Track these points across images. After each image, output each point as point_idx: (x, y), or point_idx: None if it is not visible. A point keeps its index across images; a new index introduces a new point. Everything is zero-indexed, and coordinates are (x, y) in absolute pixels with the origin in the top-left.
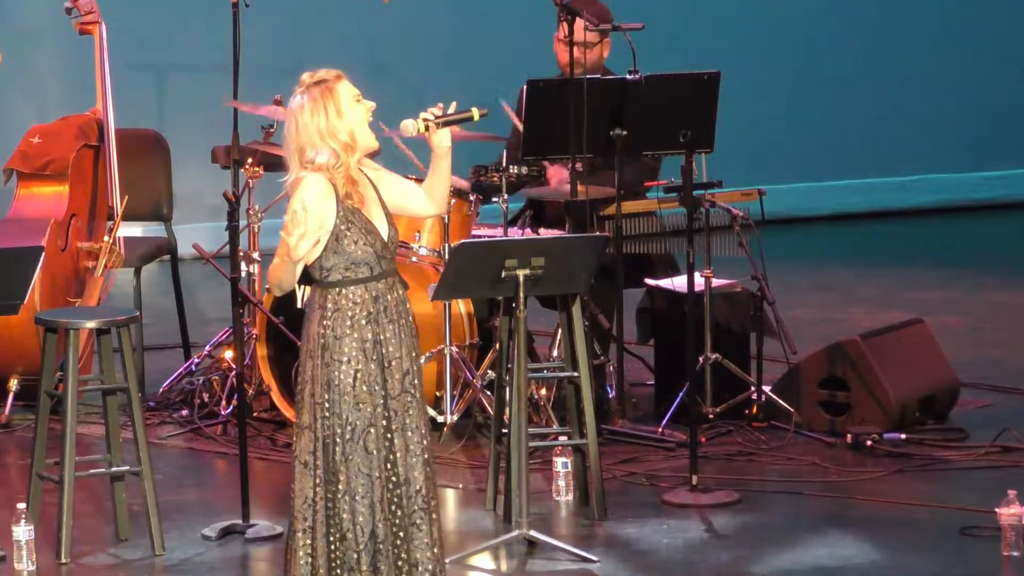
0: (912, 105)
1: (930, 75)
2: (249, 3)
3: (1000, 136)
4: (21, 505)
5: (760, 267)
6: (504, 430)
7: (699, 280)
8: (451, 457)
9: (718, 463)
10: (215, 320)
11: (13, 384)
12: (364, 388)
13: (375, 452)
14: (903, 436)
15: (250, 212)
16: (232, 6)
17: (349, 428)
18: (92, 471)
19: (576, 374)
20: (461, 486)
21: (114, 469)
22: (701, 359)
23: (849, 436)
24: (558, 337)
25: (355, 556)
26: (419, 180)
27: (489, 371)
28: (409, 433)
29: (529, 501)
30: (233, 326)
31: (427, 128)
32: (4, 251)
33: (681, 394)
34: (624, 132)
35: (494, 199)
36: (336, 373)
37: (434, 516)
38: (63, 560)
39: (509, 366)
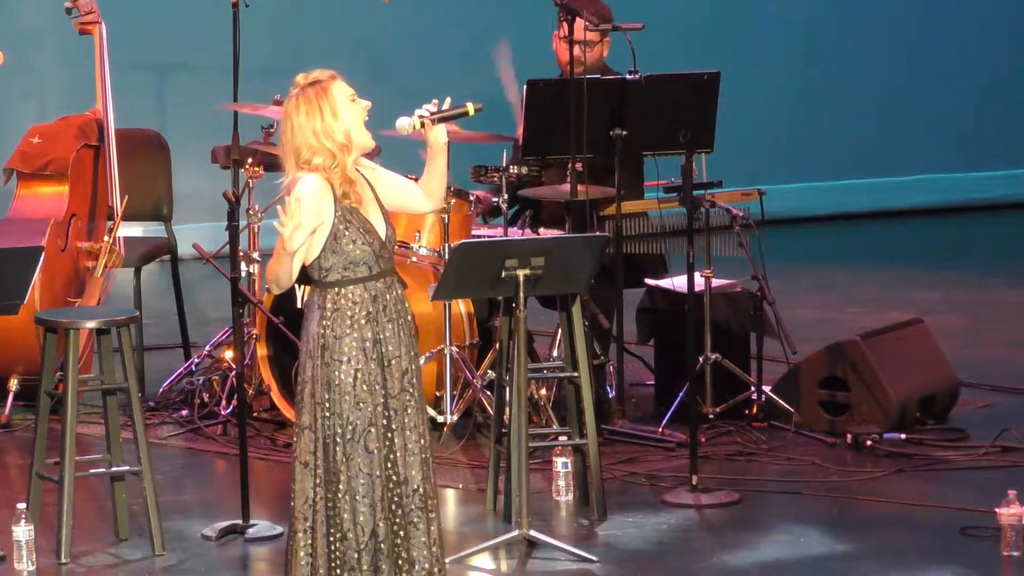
0: (912, 105)
1: (930, 75)
2: (249, 3)
3: (1000, 136)
4: (21, 505)
5: (760, 267)
6: (504, 430)
7: (699, 280)
8: (451, 457)
9: (718, 463)
10: (215, 320)
11: (13, 384)
12: (364, 388)
13: (375, 451)
14: (903, 436)
15: (250, 212)
16: (232, 6)
17: (350, 428)
18: (92, 471)
19: (576, 374)
20: (461, 486)
21: (114, 469)
22: (701, 359)
23: (849, 436)
24: (558, 337)
25: (356, 556)
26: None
27: (489, 371)
28: (408, 432)
29: (529, 501)
30: (233, 326)
31: (423, 125)
32: (4, 251)
33: (681, 394)
34: (624, 132)
35: (494, 199)
36: (336, 373)
37: (432, 515)
38: (63, 560)
39: (509, 366)
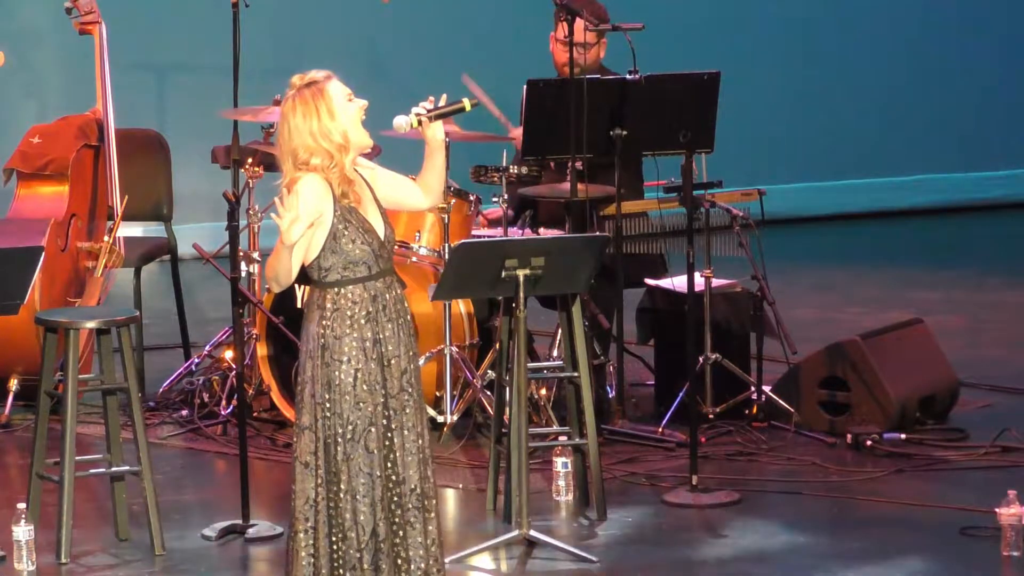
0: (912, 105)
1: (930, 75)
2: (249, 3)
3: (1000, 136)
4: (21, 505)
5: (760, 267)
6: (504, 430)
7: (699, 280)
8: (451, 457)
9: (718, 463)
10: (215, 320)
11: (13, 384)
12: (364, 387)
13: (376, 451)
14: (903, 436)
15: (250, 212)
16: (232, 6)
17: (350, 428)
18: (92, 471)
19: (576, 374)
20: (461, 486)
21: (114, 469)
22: (701, 359)
23: (849, 436)
24: (558, 337)
25: (357, 555)
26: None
27: (489, 371)
28: (406, 432)
29: (529, 501)
30: (233, 326)
31: (420, 123)
32: (4, 251)
33: (681, 394)
34: (624, 132)
35: (494, 198)
36: (336, 373)
37: (430, 515)
38: (63, 560)
39: (509, 366)
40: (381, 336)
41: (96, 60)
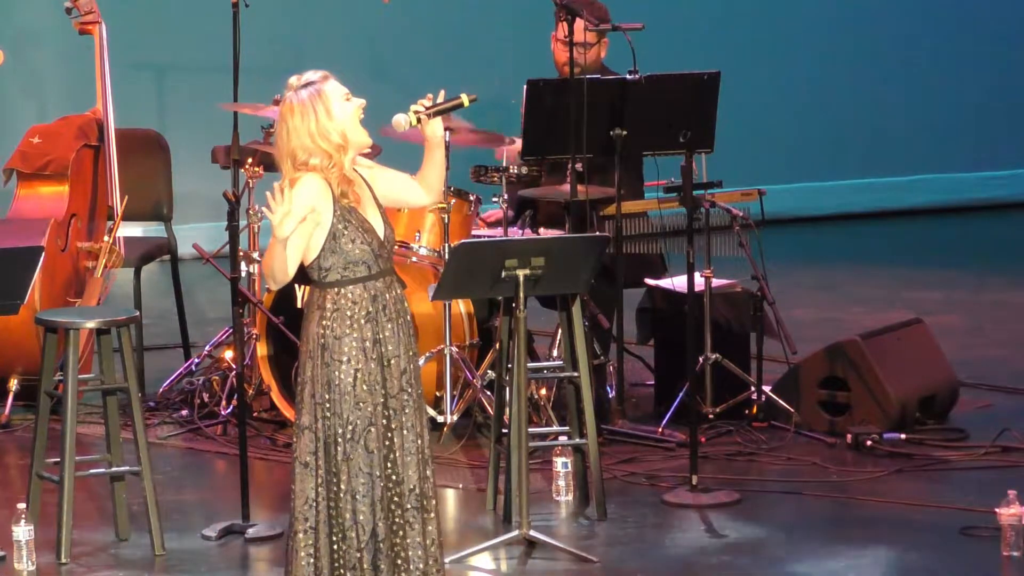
0: (912, 105)
1: (931, 75)
2: (249, 3)
3: (1000, 136)
4: (21, 505)
5: (760, 267)
6: (504, 430)
7: (699, 280)
8: (451, 457)
9: (718, 463)
10: (215, 320)
11: (13, 384)
12: (364, 388)
13: (375, 451)
14: (903, 436)
15: (250, 212)
16: (232, 6)
17: (350, 428)
18: (92, 471)
19: (576, 374)
20: (461, 486)
21: (114, 469)
22: (701, 359)
23: (849, 436)
24: (558, 337)
25: (357, 555)
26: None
27: (489, 371)
28: (406, 432)
29: (529, 501)
30: (233, 326)
31: (419, 120)
32: (4, 251)
33: (681, 394)
34: (624, 132)
35: (494, 198)
36: (336, 373)
37: (430, 515)
38: (63, 560)
39: (509, 366)
40: (381, 336)
41: (96, 60)
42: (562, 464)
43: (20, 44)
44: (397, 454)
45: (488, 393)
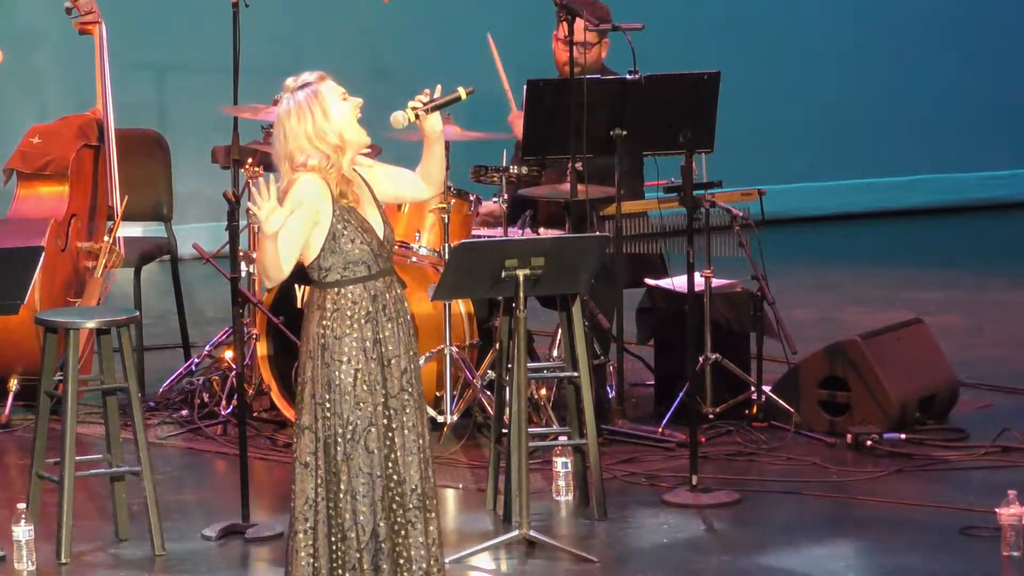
0: (913, 105)
1: (931, 75)
2: (249, 3)
3: (1001, 136)
4: (21, 505)
5: (760, 267)
6: (504, 430)
7: (699, 280)
8: (451, 457)
9: (718, 463)
10: (215, 320)
11: (13, 384)
12: (364, 388)
13: (376, 451)
14: (903, 436)
15: (249, 212)
16: (232, 6)
17: (350, 428)
18: (92, 471)
19: (576, 374)
20: (461, 486)
21: (114, 469)
22: (701, 359)
23: (849, 436)
24: (558, 337)
25: (357, 556)
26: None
27: (489, 371)
28: (406, 432)
29: (529, 501)
30: (233, 326)
31: (417, 116)
32: (4, 251)
33: (681, 394)
34: (624, 132)
35: (493, 198)
36: (336, 373)
37: (431, 515)
38: (63, 560)
39: (509, 366)
40: (381, 336)
41: (96, 60)
42: (562, 464)
43: (20, 44)
44: (398, 454)
45: (488, 393)
